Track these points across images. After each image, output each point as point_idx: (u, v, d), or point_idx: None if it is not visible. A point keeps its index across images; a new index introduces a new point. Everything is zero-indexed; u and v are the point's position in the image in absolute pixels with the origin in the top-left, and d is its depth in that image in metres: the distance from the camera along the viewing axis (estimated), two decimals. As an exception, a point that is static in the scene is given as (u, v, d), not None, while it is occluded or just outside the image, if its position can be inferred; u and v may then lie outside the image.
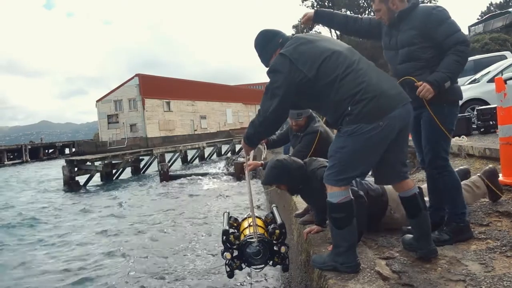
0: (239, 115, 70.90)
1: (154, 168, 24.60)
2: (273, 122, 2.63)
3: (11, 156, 47.05)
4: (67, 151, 55.89)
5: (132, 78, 52.50)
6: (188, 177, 20.08)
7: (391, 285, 2.34)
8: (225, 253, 3.04)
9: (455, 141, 6.33)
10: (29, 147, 50.53)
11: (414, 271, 2.49)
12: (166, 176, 20.05)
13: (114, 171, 23.42)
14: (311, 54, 2.53)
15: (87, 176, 21.53)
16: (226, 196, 13.98)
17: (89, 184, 21.28)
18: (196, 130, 58.04)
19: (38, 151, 51.48)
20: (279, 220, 3.30)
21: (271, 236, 3.08)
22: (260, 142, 3.09)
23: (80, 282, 6.70)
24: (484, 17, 33.37)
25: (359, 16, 3.28)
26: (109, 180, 22.48)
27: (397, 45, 2.92)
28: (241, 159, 22.80)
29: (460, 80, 10.63)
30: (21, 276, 7.30)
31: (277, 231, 3.09)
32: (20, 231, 11.37)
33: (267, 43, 2.80)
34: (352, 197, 2.55)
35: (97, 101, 55.01)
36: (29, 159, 47.37)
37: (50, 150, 55.46)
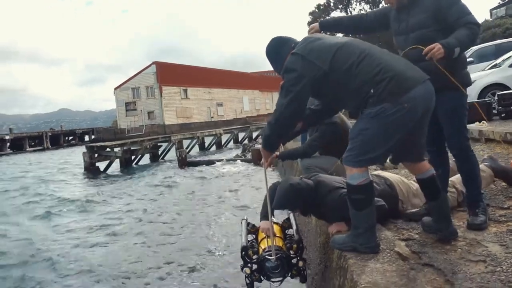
0: (256, 103, 70.80)
1: (172, 154, 24.82)
2: (288, 118, 2.63)
3: (33, 143, 47.90)
4: (86, 138, 56.67)
5: (150, 65, 52.80)
6: (206, 163, 20.27)
7: (411, 265, 2.36)
8: (245, 268, 3.16)
9: (476, 126, 6.27)
10: (50, 134, 51.36)
11: (434, 251, 2.51)
12: (184, 162, 20.27)
13: (133, 157, 23.73)
14: (322, 48, 2.56)
15: (106, 162, 21.87)
16: (242, 183, 14.06)
17: (108, 170, 21.62)
18: (212, 118, 58.24)
19: (59, 138, 52.33)
20: (294, 226, 3.41)
21: (289, 251, 3.16)
22: (278, 144, 3.02)
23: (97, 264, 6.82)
24: (507, 0, 32.52)
25: (362, 13, 3.31)
26: (128, 166, 22.78)
27: (407, 29, 2.89)
28: (258, 146, 22.89)
29: (481, 65, 10.51)
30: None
31: (295, 245, 3.18)
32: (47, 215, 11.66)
33: (280, 49, 2.81)
34: (372, 179, 2.57)
35: (115, 88, 55.54)
36: (50, 146, 48.19)
37: (70, 137, 56.31)
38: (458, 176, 3.32)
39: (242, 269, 3.19)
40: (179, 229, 8.64)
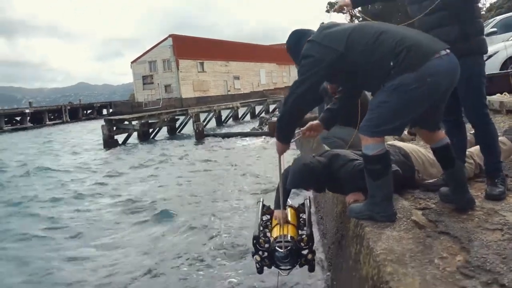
0: (273, 76, 70.34)
1: (189, 128, 24.97)
2: (302, 102, 2.63)
3: (52, 117, 48.63)
4: (104, 111, 57.26)
5: (166, 39, 52.68)
6: (223, 136, 20.40)
7: (427, 233, 2.38)
8: (255, 255, 3.27)
9: (497, 97, 6.16)
10: (69, 107, 52.03)
11: (451, 220, 2.52)
12: (201, 135, 20.43)
13: (150, 130, 23.97)
14: (337, 33, 2.57)
15: (125, 135, 22.15)
16: (259, 155, 14.14)
17: (127, 143, 21.92)
18: (229, 91, 58.16)
19: (77, 112, 52.99)
20: (307, 215, 3.47)
21: (300, 243, 3.22)
22: (292, 135, 2.95)
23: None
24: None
25: None
26: (146, 139, 23.05)
27: None
28: (274, 119, 22.88)
29: (503, 36, 10.18)
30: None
31: (305, 238, 3.24)
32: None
33: (299, 42, 2.80)
34: (387, 149, 2.59)
35: (132, 62, 55.71)
36: (69, 120, 48.87)
37: (89, 111, 56.97)
38: (476, 147, 3.31)
39: (253, 255, 3.32)
40: (195, 201, 8.77)
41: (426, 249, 2.16)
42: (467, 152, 3.27)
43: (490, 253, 2.03)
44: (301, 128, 3.26)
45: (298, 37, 2.84)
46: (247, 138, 19.20)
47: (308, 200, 3.70)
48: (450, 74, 2.42)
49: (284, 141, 2.91)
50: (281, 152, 3.04)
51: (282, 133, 2.87)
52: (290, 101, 2.65)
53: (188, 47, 52.83)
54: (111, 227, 7.46)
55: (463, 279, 1.84)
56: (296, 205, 3.74)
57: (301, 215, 3.66)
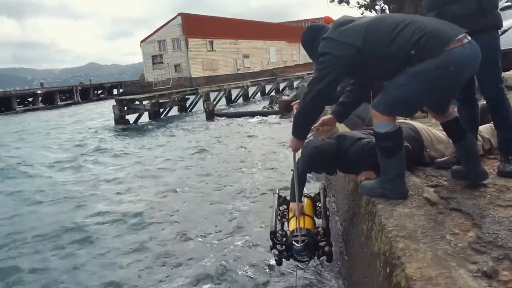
0: (283, 54, 69.78)
1: (199, 107, 25.02)
2: (320, 99, 2.61)
3: (64, 97, 48.84)
4: (114, 91, 57.36)
5: (175, 17, 52.39)
6: (233, 115, 20.43)
7: (439, 210, 2.40)
8: (273, 250, 3.36)
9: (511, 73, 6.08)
10: (80, 88, 52.19)
11: (463, 197, 2.53)
12: (211, 114, 20.46)
13: (161, 110, 24.06)
14: (353, 28, 2.54)
15: (136, 115, 22.28)
16: (269, 134, 14.15)
17: (138, 122, 22.05)
18: (239, 70, 57.89)
19: (88, 92, 53.18)
20: (322, 205, 3.54)
21: (316, 235, 3.28)
22: (308, 132, 2.93)
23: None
24: None
25: None
26: (157, 119, 23.17)
27: None
28: (285, 97, 22.81)
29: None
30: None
31: (321, 231, 3.30)
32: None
33: (315, 38, 2.75)
34: (399, 126, 2.59)
35: (141, 41, 55.58)
36: (80, 100, 49.09)
37: (99, 91, 57.14)
38: (484, 126, 3.33)
39: (271, 249, 3.41)
40: (209, 181, 8.84)
41: (438, 225, 2.19)
42: None
43: (502, 229, 2.04)
44: (315, 124, 3.21)
45: (314, 33, 2.80)
46: (258, 117, 19.18)
47: (323, 190, 3.76)
48: (472, 64, 2.41)
49: (300, 137, 2.91)
50: (296, 149, 3.06)
51: (299, 129, 2.86)
52: (308, 98, 2.63)
53: (197, 26, 52.51)
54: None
55: (475, 254, 1.86)
56: (312, 195, 3.79)
57: (317, 203, 3.72)
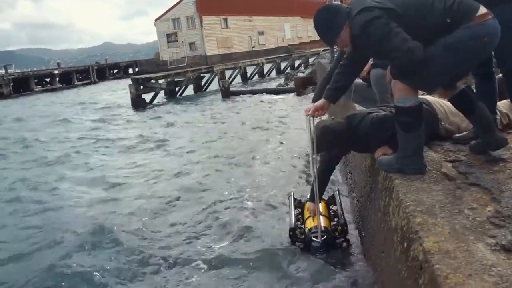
0: (298, 30, 68.85)
1: (215, 85, 24.92)
2: (412, 44, 2.36)
3: (80, 77, 49.15)
4: (130, 71, 57.51)
5: (189, -6, 51.97)
6: (249, 93, 20.37)
7: (457, 185, 2.39)
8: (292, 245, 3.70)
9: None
10: (96, 67, 52.42)
11: (481, 172, 2.52)
12: (227, 93, 20.42)
13: (177, 88, 24.08)
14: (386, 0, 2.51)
15: (152, 94, 22.35)
16: (286, 112, 14.07)
17: (154, 101, 22.14)
18: (254, 47, 57.43)
19: (104, 72, 53.40)
20: (339, 207, 3.84)
21: (334, 232, 3.56)
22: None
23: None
24: None
25: None
26: (173, 97, 23.21)
27: None
28: (300, 74, 22.62)
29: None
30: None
31: (340, 228, 3.60)
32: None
33: (334, 17, 2.62)
34: (421, 102, 2.58)
35: (156, 20, 55.38)
36: (97, 79, 49.39)
37: (115, 70, 57.34)
38: (504, 101, 3.31)
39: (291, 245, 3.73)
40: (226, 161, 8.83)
41: (456, 200, 2.19)
42: None
43: (521, 204, 2.04)
44: (308, 113, 3.22)
45: (333, 13, 2.64)
46: (273, 94, 19.08)
47: (337, 192, 4.03)
48: (499, 36, 2.44)
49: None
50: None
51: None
52: (411, 52, 2.35)
53: (211, 3, 52.04)
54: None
55: (493, 228, 1.86)
56: (326, 198, 4.00)
57: (331, 206, 3.98)
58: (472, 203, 2.13)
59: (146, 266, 4.25)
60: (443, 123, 3.27)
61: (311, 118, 3.22)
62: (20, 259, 4.82)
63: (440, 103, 3.34)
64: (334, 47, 3.34)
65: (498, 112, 3.27)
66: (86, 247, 4.86)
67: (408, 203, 2.20)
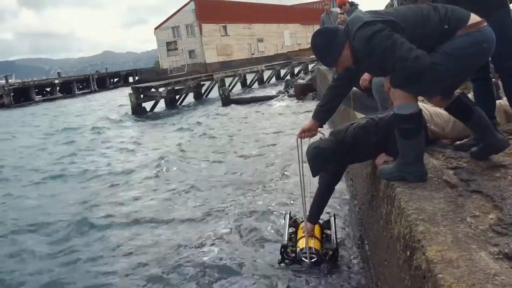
0: (297, 37, 69.09)
1: (215, 93, 24.99)
2: (419, 53, 2.34)
3: (81, 86, 49.26)
4: (130, 79, 57.62)
5: (188, 3, 52.18)
6: (249, 101, 20.41)
7: (459, 192, 2.39)
8: (281, 264, 3.81)
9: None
10: (96, 76, 52.53)
11: (483, 179, 2.52)
12: (227, 100, 20.45)
13: (177, 96, 24.10)
14: (385, 13, 2.58)
15: (152, 102, 22.38)
16: (286, 118, 14.10)
17: (155, 110, 22.16)
18: (253, 54, 57.59)
19: (104, 80, 53.49)
20: (333, 232, 3.90)
21: (325, 256, 3.63)
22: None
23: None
24: None
25: None
26: (173, 106, 23.23)
27: None
28: (300, 81, 22.65)
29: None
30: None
31: (330, 253, 3.66)
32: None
33: (332, 40, 2.60)
34: (421, 108, 2.59)
35: (155, 28, 55.59)
36: (97, 88, 49.48)
37: (115, 79, 57.45)
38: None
39: (279, 263, 3.80)
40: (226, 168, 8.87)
41: (458, 208, 2.18)
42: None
43: (523, 211, 2.03)
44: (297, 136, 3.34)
45: (331, 36, 2.62)
46: (274, 101, 19.11)
47: (333, 218, 4.07)
48: (494, 42, 2.49)
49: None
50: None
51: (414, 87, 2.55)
52: (418, 61, 2.32)
53: (210, 11, 52.28)
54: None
55: (496, 236, 1.86)
56: (321, 222, 4.02)
57: (325, 231, 4.02)
58: (474, 211, 2.12)
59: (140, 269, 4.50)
60: (428, 125, 3.29)
61: (299, 140, 3.31)
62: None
63: (423, 105, 3.36)
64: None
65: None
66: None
67: (410, 212, 2.19)
